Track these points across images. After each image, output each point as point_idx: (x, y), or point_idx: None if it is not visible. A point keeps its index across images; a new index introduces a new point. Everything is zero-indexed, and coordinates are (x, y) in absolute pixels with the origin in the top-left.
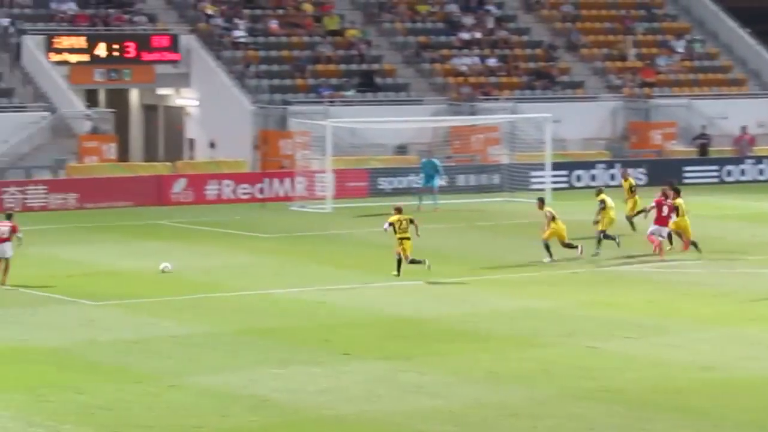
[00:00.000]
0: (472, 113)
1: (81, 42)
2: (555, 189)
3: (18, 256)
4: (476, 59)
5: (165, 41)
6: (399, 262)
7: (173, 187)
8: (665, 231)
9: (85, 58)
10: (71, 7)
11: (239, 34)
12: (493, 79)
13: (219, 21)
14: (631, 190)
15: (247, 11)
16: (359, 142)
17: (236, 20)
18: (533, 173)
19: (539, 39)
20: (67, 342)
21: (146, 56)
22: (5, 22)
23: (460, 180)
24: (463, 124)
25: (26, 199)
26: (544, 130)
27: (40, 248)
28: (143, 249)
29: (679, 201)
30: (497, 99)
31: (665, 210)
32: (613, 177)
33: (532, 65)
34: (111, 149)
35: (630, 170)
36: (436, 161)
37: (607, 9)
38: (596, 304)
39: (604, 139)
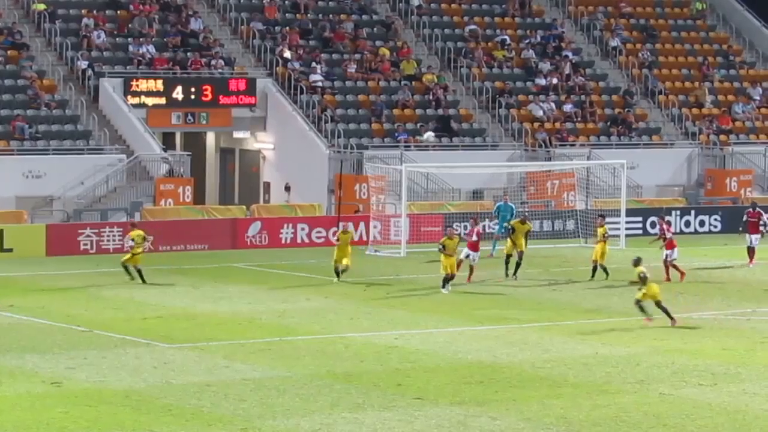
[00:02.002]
0: (548, 159)
1: (158, 85)
2: (629, 235)
3: (93, 298)
4: (553, 105)
5: (242, 85)
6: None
7: (248, 230)
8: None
9: (162, 101)
10: (149, 51)
11: (316, 78)
12: (569, 125)
13: (296, 65)
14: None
15: (324, 55)
16: (434, 187)
17: (313, 64)
18: (608, 219)
19: (616, 85)
20: (141, 384)
21: (223, 100)
22: (83, 64)
23: (535, 225)
24: (538, 169)
25: (101, 241)
26: (619, 177)
27: (115, 290)
28: (218, 292)
29: (600, 229)
30: (573, 145)
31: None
32: (688, 224)
33: (608, 111)
34: (187, 192)
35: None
36: (512, 206)
37: (685, 56)
38: (669, 351)
39: (679, 186)
